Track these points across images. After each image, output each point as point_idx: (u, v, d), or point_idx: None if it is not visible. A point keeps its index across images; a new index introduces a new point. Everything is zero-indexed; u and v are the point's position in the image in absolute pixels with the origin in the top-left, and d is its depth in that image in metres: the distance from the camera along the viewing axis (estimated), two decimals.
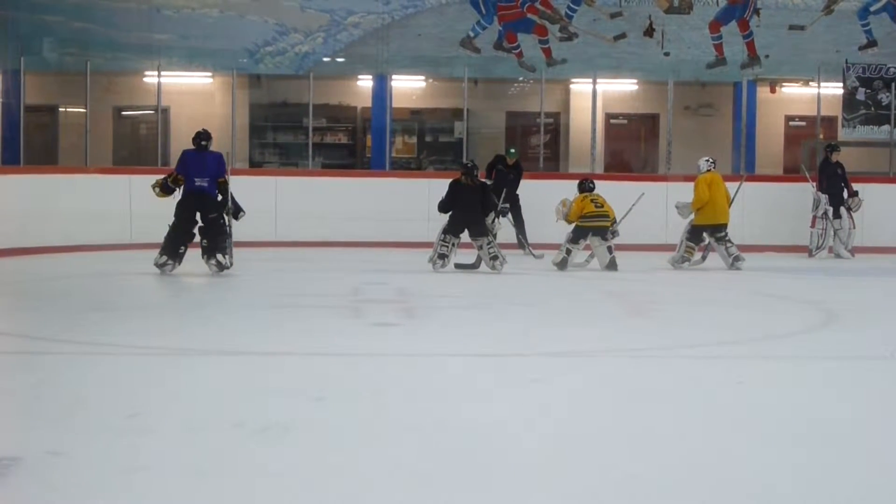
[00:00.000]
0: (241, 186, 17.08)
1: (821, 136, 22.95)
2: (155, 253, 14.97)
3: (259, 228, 19.07)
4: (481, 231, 15.66)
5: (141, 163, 22.03)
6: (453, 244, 15.73)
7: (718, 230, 16.86)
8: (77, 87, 21.36)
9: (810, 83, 23.30)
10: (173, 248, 14.77)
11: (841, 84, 22.43)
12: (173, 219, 14.85)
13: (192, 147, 15.14)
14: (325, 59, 22.59)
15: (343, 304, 12.47)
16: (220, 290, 14.29)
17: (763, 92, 23.90)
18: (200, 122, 22.44)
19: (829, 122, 23.29)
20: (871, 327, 11.58)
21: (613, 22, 22.73)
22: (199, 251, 14.87)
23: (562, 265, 16.27)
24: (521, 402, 7.60)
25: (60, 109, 23.92)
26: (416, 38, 22.61)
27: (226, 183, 14.91)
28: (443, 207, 15.94)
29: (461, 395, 7.80)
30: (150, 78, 22.35)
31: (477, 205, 15.77)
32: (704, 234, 16.94)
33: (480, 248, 15.72)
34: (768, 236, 20.12)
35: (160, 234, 15.43)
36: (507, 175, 19.29)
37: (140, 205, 18.54)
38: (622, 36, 22.75)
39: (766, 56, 23.08)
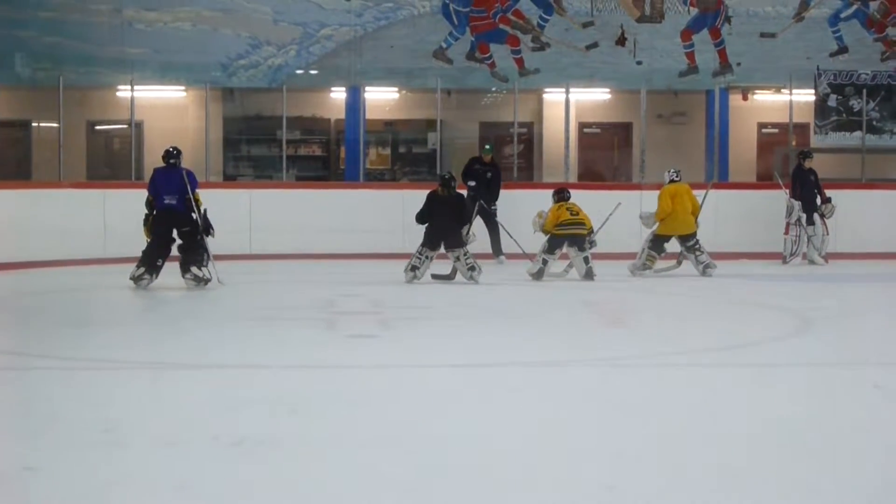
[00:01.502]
0: (215, 200, 17.09)
1: (793, 143, 23.09)
2: (131, 267, 14.94)
3: (233, 242, 19.08)
4: (457, 243, 15.57)
5: (115, 177, 22.03)
6: (427, 257, 15.59)
7: (686, 240, 16.98)
8: (50, 102, 21.32)
9: (782, 90, 23.42)
10: (150, 261, 14.87)
11: (813, 91, 22.58)
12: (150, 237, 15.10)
13: (162, 165, 15.43)
14: (299, 72, 22.57)
15: (318, 317, 12.46)
16: (195, 303, 14.28)
17: (735, 99, 23.95)
18: (174, 135, 22.45)
19: (802, 128, 23.41)
20: (844, 333, 11.69)
21: (585, 31, 22.77)
22: (176, 265, 14.91)
23: (538, 275, 16.08)
24: (497, 412, 7.61)
25: (34, 124, 23.87)
26: (389, 49, 22.60)
27: (191, 200, 14.99)
28: (420, 218, 15.86)
29: (437, 406, 7.81)
30: (124, 92, 22.32)
31: (453, 217, 15.72)
32: (665, 245, 17.05)
33: (457, 259, 15.61)
34: (742, 243, 20.19)
35: (135, 248, 15.38)
36: (484, 173, 19.52)
37: (114, 219, 18.57)
38: (594, 45, 22.80)
39: (738, 64, 23.14)
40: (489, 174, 19.54)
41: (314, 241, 19.77)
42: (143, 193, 15.35)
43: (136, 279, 14.77)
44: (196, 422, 7.17)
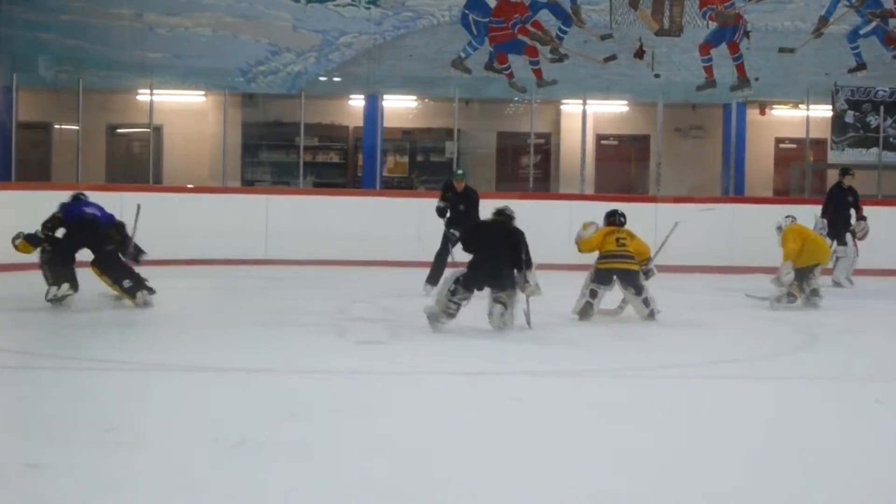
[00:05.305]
0: (233, 205, 17.23)
1: (810, 159, 23.12)
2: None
3: (250, 247, 19.20)
4: (504, 285, 11.95)
5: (134, 180, 22.11)
6: (465, 300, 11.96)
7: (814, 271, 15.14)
8: (71, 105, 21.46)
9: (800, 106, 23.46)
10: (66, 272, 13.32)
11: (830, 107, 22.60)
12: (48, 248, 13.41)
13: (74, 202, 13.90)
14: (322, 79, 22.75)
15: (328, 323, 12.50)
16: (205, 307, 14.40)
17: (753, 114, 24.03)
18: (193, 140, 22.74)
19: (819, 144, 23.43)
20: (851, 349, 11.75)
21: (604, 44, 22.89)
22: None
23: (584, 314, 13.20)
24: (500, 420, 7.68)
25: (54, 126, 24.01)
26: (408, 58, 22.78)
27: (122, 225, 14.01)
28: (466, 243, 12.78)
29: (440, 414, 7.88)
30: (144, 96, 22.45)
31: (506, 254, 12.11)
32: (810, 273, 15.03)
33: (497, 300, 11.91)
34: (757, 258, 20.01)
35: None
36: (455, 204, 15.81)
37: (131, 221, 18.61)
38: (612, 57, 22.91)
39: (756, 78, 23.25)
40: (461, 207, 15.75)
41: (330, 247, 19.78)
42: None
43: (60, 299, 13.16)
44: (198, 423, 7.26)
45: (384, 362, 10.11)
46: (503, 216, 12.46)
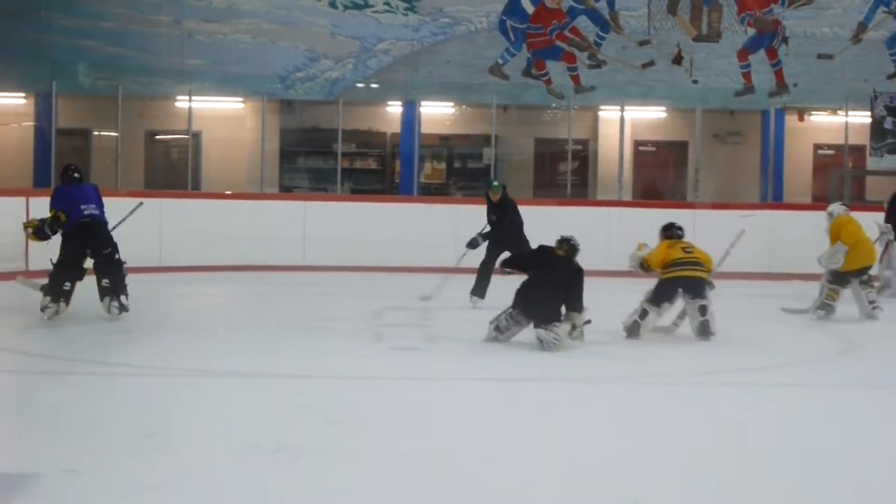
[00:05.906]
0: (271, 211, 17.19)
1: (849, 165, 23.02)
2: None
3: (287, 252, 19.24)
4: (550, 319, 11.23)
5: (172, 186, 22.21)
6: (518, 323, 11.47)
7: (865, 272, 14.78)
8: (110, 111, 21.62)
9: (838, 112, 23.38)
10: (58, 287, 12.81)
11: (869, 113, 22.51)
12: (59, 255, 12.95)
13: (72, 182, 13.35)
14: (359, 85, 22.80)
15: (365, 328, 12.54)
16: (243, 312, 14.44)
17: (791, 120, 23.94)
18: (231, 146, 22.79)
19: (858, 150, 23.34)
20: (885, 357, 11.70)
21: (642, 50, 22.84)
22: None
23: (633, 331, 12.27)
24: (535, 427, 7.70)
25: (94, 133, 24.12)
26: (446, 64, 22.80)
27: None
28: (514, 262, 12.34)
29: (474, 420, 7.89)
30: (182, 102, 22.58)
31: (562, 288, 11.40)
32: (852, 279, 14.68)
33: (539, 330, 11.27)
34: (796, 265, 19.87)
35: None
36: (489, 215, 15.24)
37: (170, 228, 18.70)
38: (650, 63, 22.85)
39: (795, 84, 23.15)
40: (493, 217, 15.12)
41: (368, 253, 19.81)
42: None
43: (42, 309, 12.75)
44: (236, 429, 7.30)
45: (420, 368, 10.16)
46: (569, 247, 11.58)
